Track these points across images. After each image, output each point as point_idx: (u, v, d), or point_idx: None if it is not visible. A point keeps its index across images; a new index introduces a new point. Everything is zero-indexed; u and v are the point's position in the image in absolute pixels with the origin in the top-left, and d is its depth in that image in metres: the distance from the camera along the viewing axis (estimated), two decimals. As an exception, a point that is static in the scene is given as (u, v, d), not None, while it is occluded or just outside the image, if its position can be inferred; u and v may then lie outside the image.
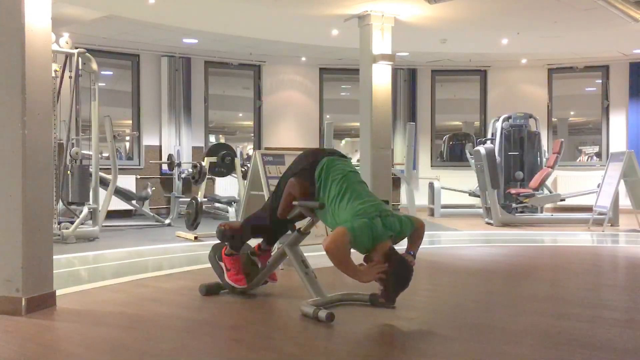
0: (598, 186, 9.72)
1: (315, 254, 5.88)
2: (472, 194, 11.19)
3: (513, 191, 10.14)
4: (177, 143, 11.26)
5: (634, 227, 9.12)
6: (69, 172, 7.67)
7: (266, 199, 4.84)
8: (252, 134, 12.41)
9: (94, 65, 7.90)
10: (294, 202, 3.84)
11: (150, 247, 7.07)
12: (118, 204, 9.33)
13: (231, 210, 9.81)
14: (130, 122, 11.24)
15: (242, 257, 4.29)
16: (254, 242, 4.39)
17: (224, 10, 8.11)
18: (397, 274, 3.51)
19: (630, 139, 12.08)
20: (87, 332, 3.41)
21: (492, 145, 10.48)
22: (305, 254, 4.06)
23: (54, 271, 3.94)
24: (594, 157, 12.99)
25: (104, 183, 8.27)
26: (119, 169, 8.65)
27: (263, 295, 4.32)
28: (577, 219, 9.82)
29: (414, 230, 3.72)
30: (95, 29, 9.50)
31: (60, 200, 7.62)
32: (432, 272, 5.75)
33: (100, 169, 8.11)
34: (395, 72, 11.96)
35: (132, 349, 3.09)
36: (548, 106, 12.61)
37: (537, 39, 9.87)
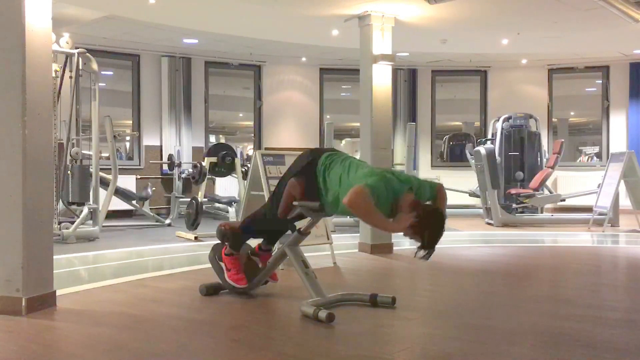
0: (598, 186, 9.72)
1: (316, 254, 5.90)
2: (472, 194, 11.18)
3: (513, 191, 10.14)
4: (178, 143, 11.26)
5: (634, 227, 9.12)
6: (69, 172, 7.67)
7: (266, 199, 4.84)
8: (253, 134, 12.41)
9: (94, 65, 7.91)
10: (294, 202, 3.84)
11: (151, 247, 7.07)
12: (118, 204, 9.32)
13: (231, 210, 9.81)
14: (131, 122, 11.24)
15: (242, 257, 4.29)
16: (254, 242, 4.40)
17: (224, 10, 8.11)
18: (430, 220, 3.37)
19: (631, 140, 12.08)
20: (87, 332, 3.41)
21: (492, 146, 10.48)
22: (305, 254, 4.06)
23: (54, 271, 3.94)
24: (594, 158, 12.98)
25: (104, 183, 8.28)
26: (119, 169, 8.65)
27: (263, 295, 4.31)
28: (578, 220, 9.82)
29: (436, 194, 3.62)
30: (95, 29, 9.50)
31: (60, 200, 7.62)
32: (432, 273, 5.75)
33: (101, 169, 8.11)
34: (395, 72, 11.95)
35: (132, 349, 3.09)
36: (548, 106, 12.61)
37: (538, 39, 9.86)
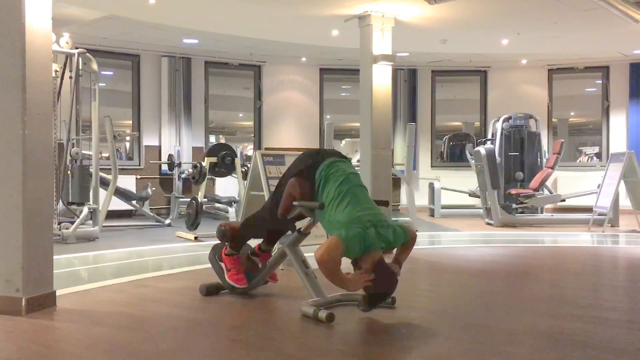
0: (598, 187, 9.72)
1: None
2: (472, 194, 11.18)
3: (513, 191, 10.14)
4: (177, 143, 11.26)
5: (634, 227, 9.12)
6: (69, 172, 7.67)
7: (266, 199, 4.83)
8: (253, 134, 12.42)
9: (94, 66, 7.90)
10: (294, 202, 3.84)
11: (151, 247, 7.07)
12: (118, 204, 9.33)
13: (231, 210, 9.82)
14: (131, 122, 11.24)
15: (242, 257, 4.29)
16: (254, 243, 4.40)
17: (224, 10, 8.11)
18: (382, 284, 3.57)
19: (631, 140, 12.08)
20: (87, 332, 3.41)
21: (492, 146, 10.48)
22: (305, 254, 4.06)
23: (54, 271, 3.94)
24: (594, 158, 12.99)
25: (104, 183, 8.27)
26: (119, 169, 8.65)
27: (263, 295, 4.31)
28: (577, 220, 9.82)
29: (407, 241, 3.77)
30: (95, 29, 9.50)
31: (60, 200, 7.62)
32: (432, 273, 5.75)
33: (101, 169, 8.11)
34: (395, 72, 11.96)
35: (132, 349, 3.09)
36: (548, 107, 12.61)
37: (538, 40, 9.87)
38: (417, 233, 3.93)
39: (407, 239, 3.75)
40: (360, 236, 3.47)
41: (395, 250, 3.81)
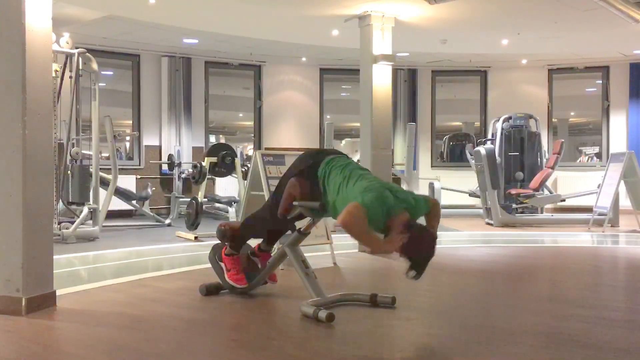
0: (598, 187, 9.72)
1: (316, 254, 5.90)
2: (472, 194, 11.18)
3: (513, 192, 10.14)
4: (177, 143, 11.26)
5: (634, 227, 9.12)
6: (69, 172, 7.67)
7: (266, 199, 4.83)
8: (253, 134, 12.41)
9: (95, 65, 7.90)
10: (295, 203, 3.84)
11: (150, 247, 7.07)
12: (118, 204, 9.32)
13: (231, 210, 9.81)
14: (131, 122, 11.24)
15: (242, 257, 4.29)
16: (254, 243, 4.39)
17: (224, 10, 8.11)
18: (421, 242, 3.37)
19: (631, 140, 12.08)
20: (87, 332, 3.41)
21: (492, 146, 10.48)
22: (305, 254, 4.06)
23: (54, 271, 3.94)
24: (594, 158, 12.99)
25: (104, 183, 8.27)
26: (119, 169, 8.65)
27: (263, 295, 4.31)
28: (577, 220, 9.82)
29: (430, 210, 3.64)
30: (95, 29, 9.50)
31: (60, 200, 7.62)
32: (432, 273, 5.72)
33: (101, 169, 8.11)
34: (395, 72, 11.95)
35: (132, 349, 3.09)
36: (548, 107, 12.61)
37: (538, 40, 9.86)
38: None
39: (428, 208, 3.62)
40: (379, 199, 3.37)
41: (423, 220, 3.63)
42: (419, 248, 3.36)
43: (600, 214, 9.33)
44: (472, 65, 12.50)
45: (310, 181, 3.78)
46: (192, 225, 7.84)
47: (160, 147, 11.30)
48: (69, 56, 7.77)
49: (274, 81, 12.34)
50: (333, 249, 5.83)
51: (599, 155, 12.73)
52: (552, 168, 10.17)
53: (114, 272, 5.54)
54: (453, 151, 13.15)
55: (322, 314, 3.52)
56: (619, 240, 8.36)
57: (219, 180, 10.77)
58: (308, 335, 3.42)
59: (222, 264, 4.28)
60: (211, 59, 11.70)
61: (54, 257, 3.98)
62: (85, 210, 7.56)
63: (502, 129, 10.73)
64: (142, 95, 11.22)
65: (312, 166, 3.81)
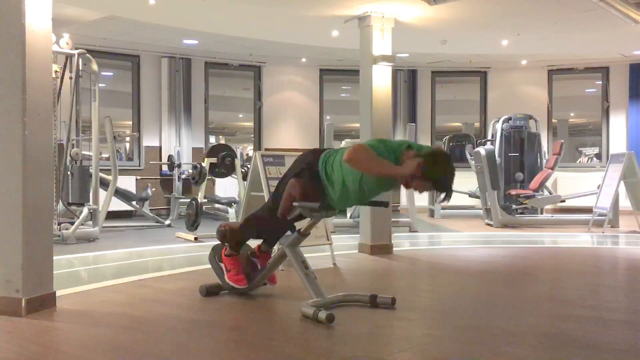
0: (598, 187, 9.72)
1: (316, 255, 5.90)
2: (472, 195, 11.18)
3: (513, 192, 10.14)
4: (177, 144, 11.26)
5: (633, 228, 9.12)
6: (69, 172, 7.67)
7: (266, 200, 4.83)
8: (252, 135, 12.42)
9: (95, 66, 7.91)
10: (294, 203, 3.84)
11: (151, 247, 7.07)
12: (118, 205, 9.32)
13: (231, 211, 9.81)
14: (131, 123, 11.24)
15: (242, 258, 4.29)
16: (254, 243, 4.39)
17: (224, 11, 8.11)
18: (437, 162, 3.38)
19: (630, 140, 12.08)
20: (87, 333, 3.41)
21: (492, 147, 10.49)
22: (305, 255, 4.06)
23: (54, 272, 3.94)
24: (594, 159, 12.99)
25: (104, 184, 8.27)
26: (119, 169, 8.65)
27: (263, 296, 4.31)
28: (577, 220, 9.82)
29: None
30: (95, 29, 9.50)
31: (60, 201, 7.62)
32: (432, 273, 5.76)
33: (101, 169, 8.11)
34: (395, 73, 11.97)
35: (132, 350, 3.09)
36: (548, 107, 12.61)
37: (537, 40, 9.86)
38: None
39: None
40: (380, 141, 3.56)
41: None
42: (437, 167, 3.37)
43: (600, 215, 9.34)
44: (472, 65, 12.50)
45: (310, 181, 3.77)
46: (192, 226, 7.84)
47: (160, 147, 11.30)
48: (69, 57, 7.78)
49: (274, 82, 12.34)
50: (333, 249, 5.83)
51: (598, 156, 12.74)
52: (552, 169, 10.18)
53: (114, 273, 5.53)
54: (453, 152, 13.12)
55: (322, 314, 3.52)
56: (618, 241, 8.36)
57: (218, 181, 10.77)
58: (308, 335, 3.42)
59: (222, 265, 4.28)
60: (211, 59, 11.70)
61: (54, 257, 3.98)
62: (85, 210, 7.56)
63: (502, 129, 10.74)
64: (142, 96, 11.22)
65: (310, 164, 3.81)
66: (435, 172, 3.37)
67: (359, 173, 3.55)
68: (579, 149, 13.76)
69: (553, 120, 12.77)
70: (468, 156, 11.18)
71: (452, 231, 9.01)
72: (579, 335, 3.40)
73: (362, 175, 3.56)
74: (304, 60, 12.14)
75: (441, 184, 3.40)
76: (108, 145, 8.30)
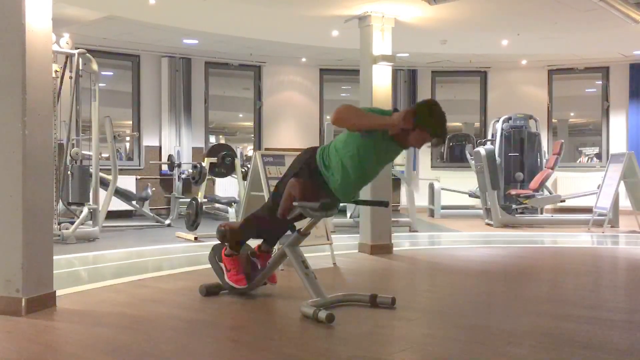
0: (598, 187, 9.72)
1: (316, 255, 5.90)
2: (472, 195, 11.18)
3: (513, 192, 10.14)
4: (177, 144, 11.26)
5: (633, 228, 9.12)
6: (69, 172, 7.67)
7: (266, 199, 4.83)
8: (252, 135, 12.42)
9: (95, 66, 7.91)
10: (294, 203, 3.83)
11: (150, 247, 7.07)
12: (118, 205, 9.32)
13: (231, 211, 9.81)
14: (131, 122, 11.24)
15: (242, 257, 4.29)
16: (254, 243, 4.39)
17: (224, 11, 8.11)
18: (427, 110, 3.49)
19: (630, 140, 12.08)
20: (87, 333, 3.41)
21: (492, 146, 10.48)
22: (305, 255, 4.06)
23: (54, 271, 3.94)
24: (594, 158, 12.99)
25: (104, 183, 8.27)
26: (119, 169, 8.65)
27: (263, 296, 4.31)
28: (577, 220, 9.82)
29: None
30: (95, 29, 9.50)
31: (60, 201, 7.62)
32: (432, 273, 5.76)
33: (101, 169, 8.11)
34: (395, 73, 11.96)
35: (132, 350, 3.09)
36: (548, 107, 12.61)
37: (538, 40, 9.86)
38: None
39: None
40: (365, 108, 3.65)
41: None
42: (434, 118, 3.47)
43: (600, 215, 9.34)
44: (472, 65, 12.50)
45: (309, 179, 3.77)
46: (192, 225, 7.84)
47: (160, 147, 11.30)
48: (69, 57, 7.77)
49: (274, 82, 12.34)
50: (333, 249, 5.83)
51: (598, 156, 12.74)
52: (552, 168, 10.18)
53: (114, 273, 5.53)
54: (453, 152, 13.14)
55: (322, 314, 3.52)
56: (618, 241, 8.36)
57: (218, 181, 10.77)
58: (308, 335, 3.42)
59: (222, 265, 4.28)
60: (211, 59, 11.70)
61: (54, 257, 3.98)
62: (85, 210, 7.56)
63: (502, 129, 10.74)
64: (142, 95, 11.22)
65: (308, 161, 3.81)
66: (433, 123, 3.48)
67: (355, 148, 3.60)
68: (579, 148, 13.76)
69: (553, 120, 12.77)
70: (468, 156, 11.18)
71: (452, 231, 9.01)
72: (579, 335, 3.40)
73: (358, 149, 3.62)
74: (304, 60, 12.14)
75: (433, 130, 3.51)
76: (108, 145, 8.30)
